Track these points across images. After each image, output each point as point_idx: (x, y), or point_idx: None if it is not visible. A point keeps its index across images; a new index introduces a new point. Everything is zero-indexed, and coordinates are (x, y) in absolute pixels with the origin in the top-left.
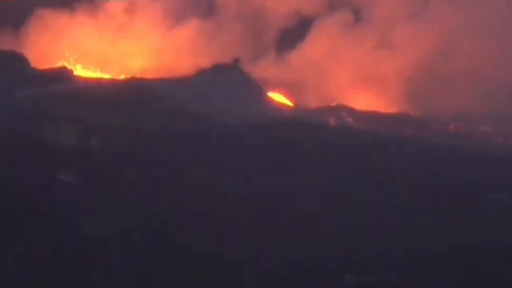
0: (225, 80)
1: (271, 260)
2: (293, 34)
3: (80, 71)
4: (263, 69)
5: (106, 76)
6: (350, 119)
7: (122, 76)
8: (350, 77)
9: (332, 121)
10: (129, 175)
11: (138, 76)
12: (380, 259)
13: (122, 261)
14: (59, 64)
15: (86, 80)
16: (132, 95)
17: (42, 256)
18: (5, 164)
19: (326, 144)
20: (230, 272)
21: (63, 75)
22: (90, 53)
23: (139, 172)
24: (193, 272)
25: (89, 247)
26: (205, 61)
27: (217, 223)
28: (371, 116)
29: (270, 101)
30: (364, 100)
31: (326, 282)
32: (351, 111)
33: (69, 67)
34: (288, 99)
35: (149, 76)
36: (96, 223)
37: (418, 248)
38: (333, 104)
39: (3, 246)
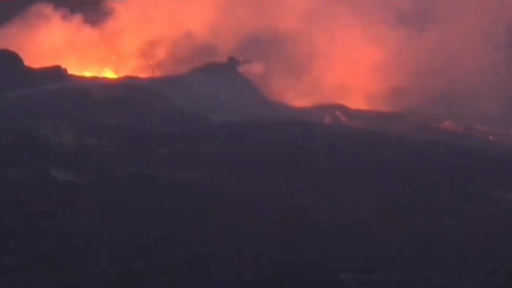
0: (221, 79)
1: (271, 259)
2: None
3: (75, 70)
4: (259, 68)
5: (101, 75)
6: (345, 118)
7: (116, 75)
8: (346, 75)
9: (327, 120)
10: (125, 173)
11: (133, 75)
12: (379, 258)
13: (122, 261)
14: (54, 63)
15: (80, 79)
16: (127, 94)
17: (38, 255)
18: (1, 163)
19: (321, 143)
20: (229, 272)
21: (57, 74)
22: (84, 51)
23: (135, 171)
24: (193, 272)
25: (88, 247)
26: (200, 60)
27: (217, 222)
28: (366, 115)
29: (265, 100)
30: (359, 99)
31: (324, 281)
32: (346, 110)
33: (64, 66)
34: (282, 97)
35: (144, 75)
36: (94, 223)
37: (416, 247)
38: (328, 103)
39: (2, 245)
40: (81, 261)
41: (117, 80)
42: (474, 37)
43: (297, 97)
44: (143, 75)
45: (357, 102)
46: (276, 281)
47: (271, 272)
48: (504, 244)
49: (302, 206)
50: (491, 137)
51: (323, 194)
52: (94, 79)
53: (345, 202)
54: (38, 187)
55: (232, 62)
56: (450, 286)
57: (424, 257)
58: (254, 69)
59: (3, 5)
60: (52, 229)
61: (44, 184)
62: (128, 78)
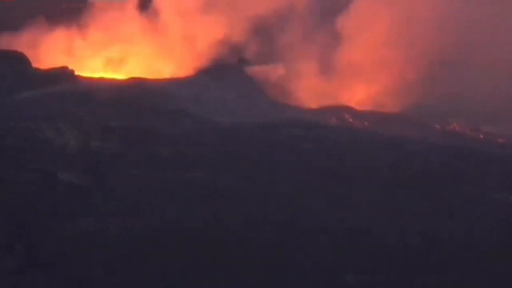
0: (226, 80)
1: (271, 259)
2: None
3: (81, 71)
4: (264, 68)
5: (107, 76)
6: (351, 119)
7: (123, 76)
8: (351, 76)
9: (333, 121)
10: (130, 175)
11: (139, 76)
12: (380, 259)
13: (123, 261)
14: (61, 64)
15: (87, 80)
16: (133, 95)
17: (42, 256)
18: (6, 164)
19: (327, 144)
20: (229, 272)
21: (64, 75)
22: (91, 53)
23: (140, 172)
24: (192, 272)
25: (90, 247)
26: (205, 61)
27: (217, 222)
28: (373, 116)
29: (271, 101)
30: (366, 100)
31: (327, 282)
32: (352, 111)
33: (71, 67)
34: (289, 98)
35: (149, 76)
36: (96, 223)
37: (418, 248)
38: (335, 104)
39: (3, 246)
40: (83, 262)
41: (124, 81)
42: (483, 36)
43: (304, 98)
44: (149, 76)
45: (363, 103)
46: (280, 281)
47: (276, 272)
48: (507, 246)
49: (308, 208)
50: (499, 140)
51: (328, 195)
52: (101, 80)
53: (349, 204)
54: (43, 188)
55: (240, 63)
56: (453, 287)
57: (427, 259)
58: (261, 70)
59: (7, 5)
60: (57, 230)
61: (49, 185)
62: (134, 79)
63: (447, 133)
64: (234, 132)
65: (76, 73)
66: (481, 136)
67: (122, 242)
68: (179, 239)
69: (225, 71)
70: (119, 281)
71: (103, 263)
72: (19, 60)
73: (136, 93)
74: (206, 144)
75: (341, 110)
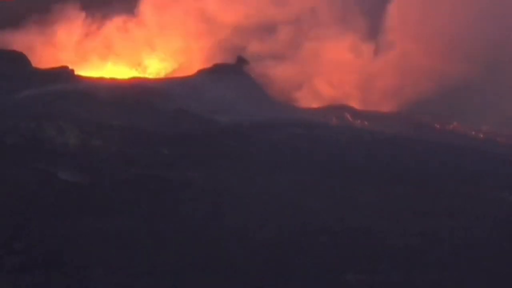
0: (226, 79)
1: (271, 259)
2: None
3: (82, 71)
4: (264, 68)
5: (107, 75)
6: (351, 119)
7: (123, 76)
8: (352, 76)
9: (333, 121)
10: (130, 174)
11: (139, 75)
12: (381, 259)
13: (123, 261)
14: (61, 63)
15: (87, 80)
16: (133, 95)
17: (42, 256)
18: (6, 164)
19: (327, 143)
20: (229, 272)
21: (64, 75)
22: (91, 52)
23: (140, 172)
24: (192, 272)
25: (90, 247)
26: (206, 61)
27: (217, 222)
28: (373, 116)
29: (271, 101)
30: (366, 100)
31: (327, 282)
32: (352, 110)
33: (71, 67)
34: (290, 98)
35: (150, 75)
36: (96, 223)
37: (419, 247)
38: (335, 103)
39: (3, 245)
40: (83, 262)
41: (124, 80)
42: (483, 37)
43: (304, 98)
44: (150, 75)
45: (364, 103)
46: (280, 281)
47: (276, 272)
48: (506, 245)
49: (308, 208)
50: (498, 138)
51: (328, 195)
52: (101, 80)
53: (349, 203)
54: (43, 188)
55: (240, 63)
56: (453, 287)
57: (427, 259)
58: (261, 69)
59: (7, 4)
60: (57, 230)
61: (49, 184)
62: (134, 79)
63: (447, 133)
64: (234, 132)
65: (76, 72)
66: (481, 136)
67: (122, 242)
68: (179, 239)
69: (225, 71)
70: (119, 281)
71: (103, 263)
72: (19, 60)
73: (136, 93)
74: (206, 144)
75: (341, 109)
